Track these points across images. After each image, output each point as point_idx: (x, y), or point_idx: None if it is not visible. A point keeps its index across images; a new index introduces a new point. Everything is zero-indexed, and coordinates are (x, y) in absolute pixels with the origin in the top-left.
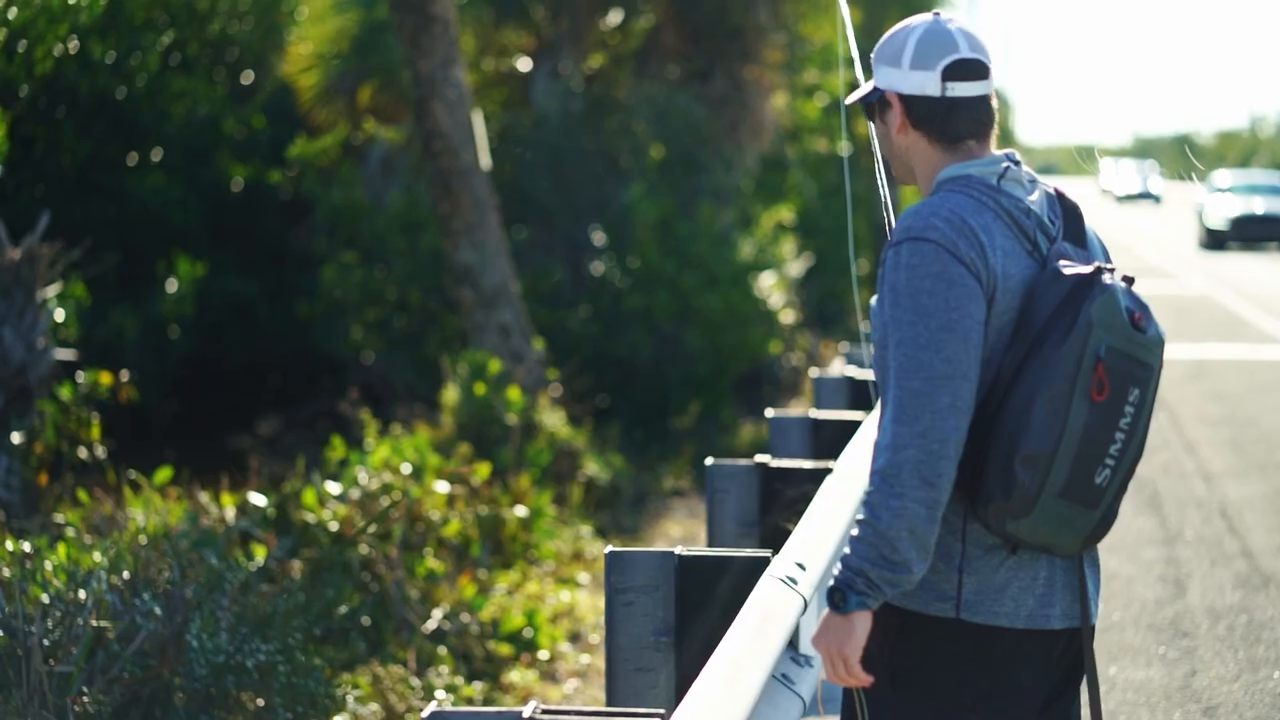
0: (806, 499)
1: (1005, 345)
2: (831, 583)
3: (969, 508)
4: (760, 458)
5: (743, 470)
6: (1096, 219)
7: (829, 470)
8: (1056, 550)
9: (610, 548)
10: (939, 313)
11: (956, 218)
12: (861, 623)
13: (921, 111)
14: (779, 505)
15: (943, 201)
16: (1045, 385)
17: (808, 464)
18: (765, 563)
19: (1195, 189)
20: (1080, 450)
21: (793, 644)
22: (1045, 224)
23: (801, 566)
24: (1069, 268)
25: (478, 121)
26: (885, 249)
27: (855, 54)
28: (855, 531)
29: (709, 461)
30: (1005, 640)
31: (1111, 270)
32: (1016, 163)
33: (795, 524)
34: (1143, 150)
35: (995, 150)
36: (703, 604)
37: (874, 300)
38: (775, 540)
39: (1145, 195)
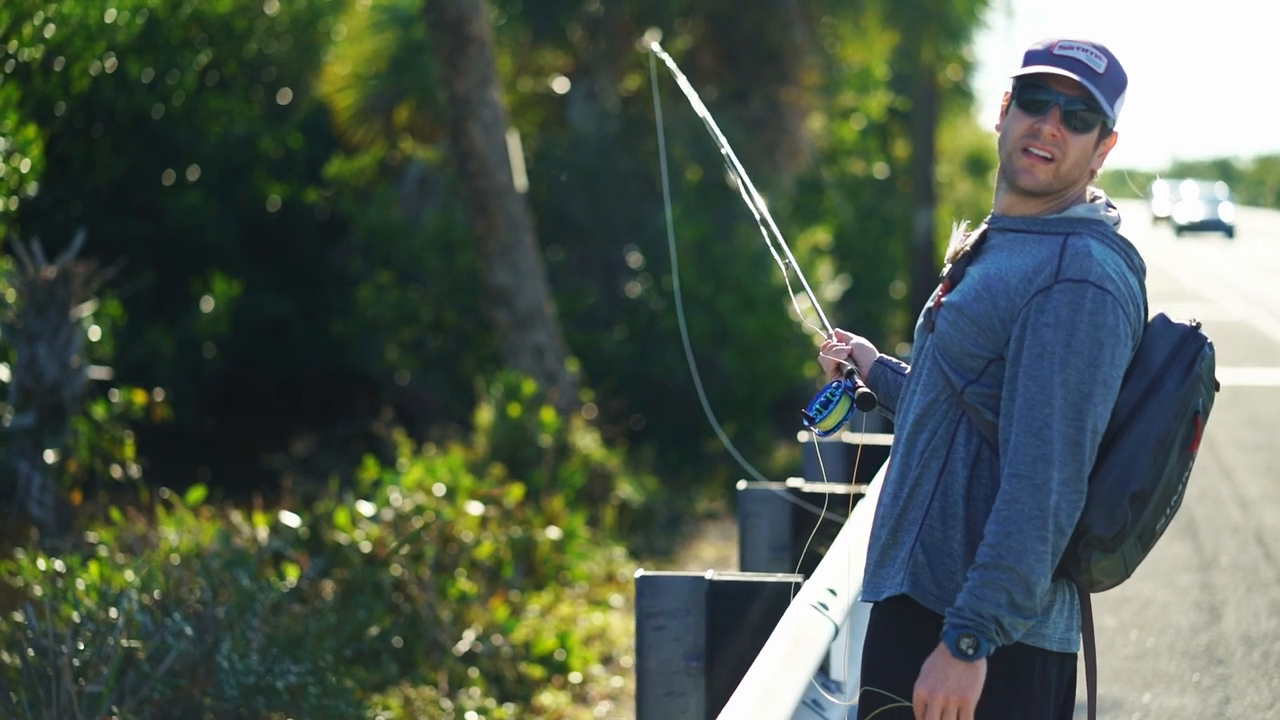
0: (839, 524)
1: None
2: (953, 629)
3: None
4: (793, 482)
5: (775, 494)
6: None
7: (862, 495)
8: (1097, 587)
9: (641, 571)
10: (1105, 366)
11: (1119, 273)
12: (984, 670)
13: None
14: (811, 530)
15: (1104, 252)
16: (1158, 427)
17: (840, 488)
18: (797, 588)
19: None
20: (1162, 496)
21: (823, 669)
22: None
23: (833, 592)
24: (1174, 316)
25: (514, 142)
26: (1047, 279)
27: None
28: (982, 576)
29: (741, 485)
30: (1039, 663)
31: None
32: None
33: (828, 549)
34: (1181, 173)
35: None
36: (734, 629)
37: (955, 312)
38: (807, 565)
39: (1214, 225)
